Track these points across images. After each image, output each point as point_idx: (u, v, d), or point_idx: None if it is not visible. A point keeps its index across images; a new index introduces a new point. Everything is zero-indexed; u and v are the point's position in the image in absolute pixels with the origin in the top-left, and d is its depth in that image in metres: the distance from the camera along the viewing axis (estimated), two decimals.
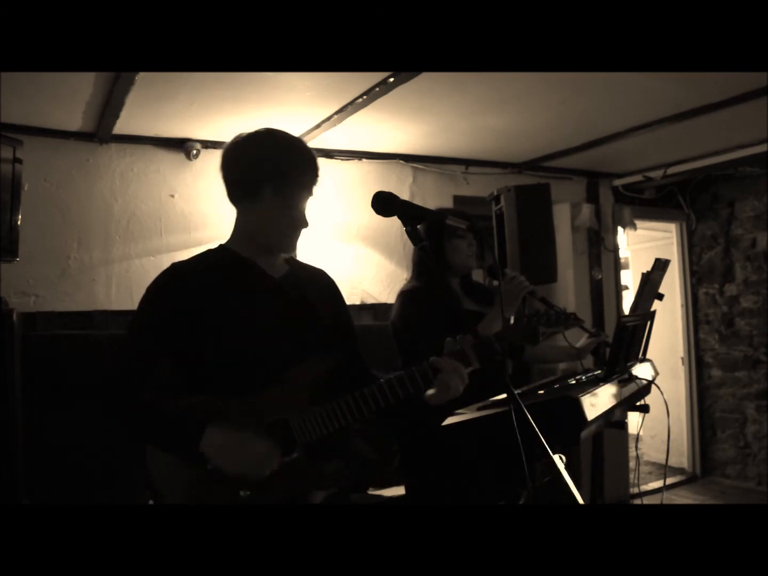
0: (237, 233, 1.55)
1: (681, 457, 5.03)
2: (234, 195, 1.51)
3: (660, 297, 2.48)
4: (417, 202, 1.54)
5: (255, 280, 1.51)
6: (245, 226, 1.53)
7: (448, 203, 3.91)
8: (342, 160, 3.51)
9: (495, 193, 3.03)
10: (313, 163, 1.48)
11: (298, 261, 1.64)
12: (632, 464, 4.36)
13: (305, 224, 1.51)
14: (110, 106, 2.66)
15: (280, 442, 1.38)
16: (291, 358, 1.44)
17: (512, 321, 1.56)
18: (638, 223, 4.64)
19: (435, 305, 2.11)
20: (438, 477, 2.02)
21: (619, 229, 4.63)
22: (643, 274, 2.37)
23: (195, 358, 1.44)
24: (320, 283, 1.64)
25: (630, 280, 5.50)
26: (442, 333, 2.01)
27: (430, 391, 1.44)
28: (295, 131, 3.16)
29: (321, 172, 1.50)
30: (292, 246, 1.53)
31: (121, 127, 2.96)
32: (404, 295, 2.25)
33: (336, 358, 1.50)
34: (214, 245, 1.58)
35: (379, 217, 1.43)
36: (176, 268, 1.49)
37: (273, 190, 1.44)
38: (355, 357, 1.65)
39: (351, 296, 3.53)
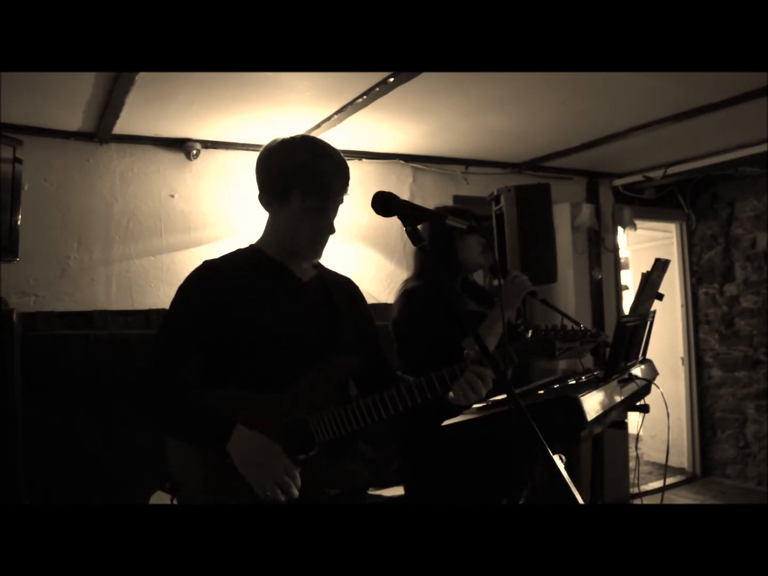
0: (267, 236, 1.58)
1: (681, 457, 5.03)
2: (265, 199, 1.52)
3: (660, 297, 2.48)
4: (417, 202, 1.54)
5: (283, 281, 1.54)
6: (274, 229, 1.55)
7: (448, 203, 3.89)
8: None
9: (495, 193, 3.02)
10: (343, 171, 1.50)
11: (325, 267, 1.67)
12: (632, 464, 4.36)
13: (332, 231, 1.52)
14: (110, 106, 2.66)
15: (299, 440, 1.40)
16: (314, 358, 1.47)
17: (530, 335, 1.57)
18: (638, 223, 4.64)
19: (438, 306, 2.11)
20: (438, 477, 2.02)
21: (619, 229, 4.63)
22: (643, 274, 2.36)
23: (222, 354, 1.47)
24: (345, 289, 1.67)
25: (630, 280, 5.50)
26: (445, 334, 2.02)
27: (452, 394, 1.47)
28: (295, 131, 3.15)
29: (351, 181, 1.52)
30: (317, 253, 1.56)
31: (121, 127, 2.96)
32: (407, 294, 2.24)
33: (357, 360, 1.53)
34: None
35: (379, 217, 1.43)
36: (208, 265, 1.52)
37: (302, 195, 1.46)
38: (378, 361, 1.67)
39: None
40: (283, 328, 1.47)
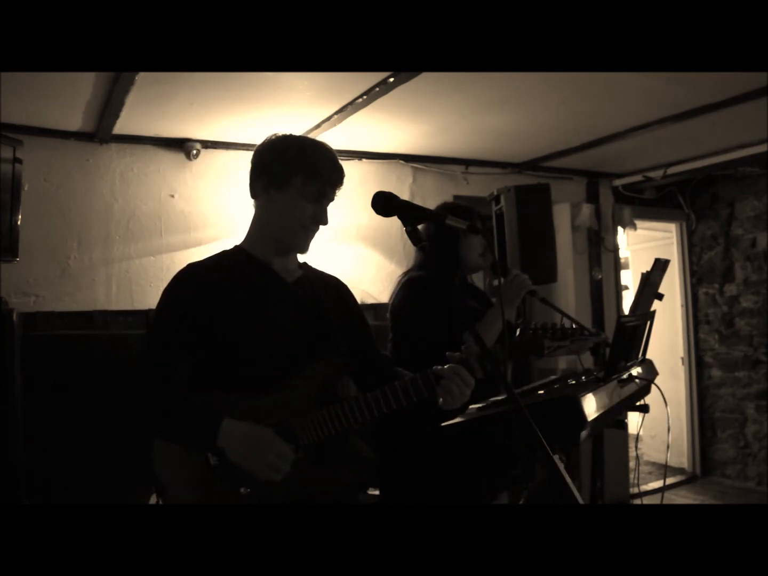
0: (253, 233, 1.58)
1: (681, 457, 5.03)
2: (262, 183, 1.52)
3: (660, 297, 2.48)
4: (417, 202, 1.54)
5: (268, 283, 1.53)
6: (263, 222, 1.55)
7: None
8: (342, 160, 3.52)
9: (495, 193, 3.02)
10: (340, 167, 1.56)
11: (311, 267, 1.66)
12: (632, 464, 4.36)
13: (325, 222, 1.54)
14: (110, 106, 2.66)
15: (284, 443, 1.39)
16: (299, 360, 1.46)
17: (519, 333, 1.58)
18: (638, 223, 4.64)
19: (440, 295, 2.12)
20: (438, 477, 2.02)
21: (619, 229, 4.63)
22: (643, 274, 2.37)
23: (208, 358, 1.46)
24: (332, 289, 1.66)
25: (630, 280, 5.50)
26: (444, 324, 2.03)
27: (440, 400, 1.44)
28: (295, 131, 3.13)
29: (351, 181, 1.57)
30: (305, 245, 1.56)
31: (121, 127, 2.96)
32: (410, 282, 2.25)
33: (345, 362, 1.53)
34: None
35: (379, 217, 1.43)
36: (192, 268, 1.52)
37: (303, 179, 1.49)
38: (374, 360, 1.66)
39: None
40: (267, 331, 1.46)
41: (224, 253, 1.58)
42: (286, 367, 1.45)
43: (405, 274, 2.34)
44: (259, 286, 1.51)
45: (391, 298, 2.31)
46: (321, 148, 1.54)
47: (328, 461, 1.46)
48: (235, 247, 1.59)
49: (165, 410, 1.41)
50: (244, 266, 1.53)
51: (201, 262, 1.55)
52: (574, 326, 1.62)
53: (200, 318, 1.44)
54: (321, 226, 1.55)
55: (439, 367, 1.43)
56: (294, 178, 1.49)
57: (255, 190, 1.55)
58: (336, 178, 1.54)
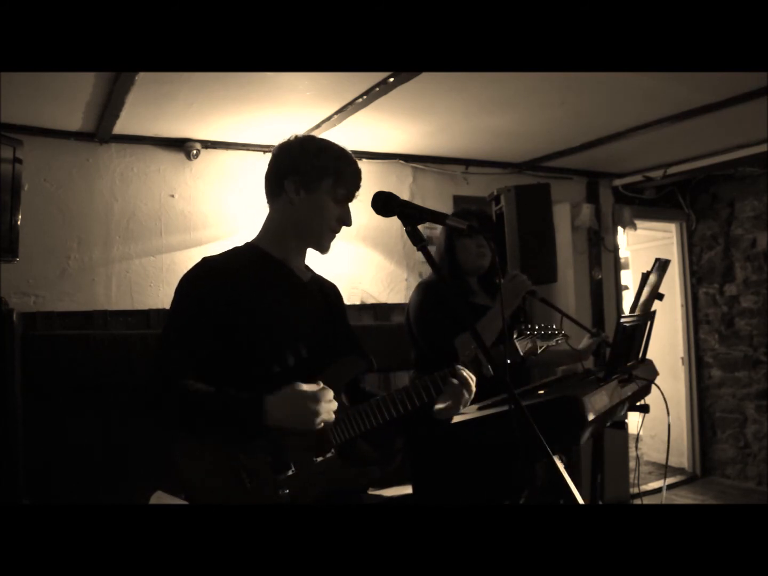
0: (271, 230, 1.56)
1: (681, 457, 5.03)
2: (292, 183, 1.51)
3: (660, 297, 2.48)
4: (417, 202, 1.55)
5: (287, 282, 1.53)
6: (285, 220, 1.54)
7: (448, 203, 3.92)
8: None
9: (495, 193, 3.02)
10: (360, 170, 1.58)
11: (313, 270, 1.68)
12: (632, 464, 4.36)
13: (350, 222, 1.58)
14: (110, 106, 2.66)
15: (317, 442, 1.40)
16: (323, 359, 1.48)
17: (516, 335, 1.63)
18: (638, 223, 4.64)
19: (444, 298, 2.14)
20: (439, 477, 2.02)
21: (619, 229, 4.63)
22: (643, 274, 2.37)
23: (226, 356, 1.42)
24: (331, 290, 1.70)
25: (630, 280, 5.50)
26: (449, 325, 2.05)
27: (440, 405, 1.50)
28: (295, 131, 3.15)
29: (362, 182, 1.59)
30: (328, 246, 1.59)
31: (121, 127, 2.96)
32: (418, 287, 2.32)
33: (364, 361, 1.55)
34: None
35: (379, 217, 1.44)
36: (209, 263, 1.48)
37: (335, 181, 1.52)
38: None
39: (351, 296, 3.53)
40: (291, 329, 1.47)
41: (238, 249, 1.56)
42: (311, 367, 1.45)
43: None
44: (279, 285, 1.51)
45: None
46: (346, 153, 1.57)
47: (352, 459, 1.48)
48: (248, 244, 1.58)
49: (198, 403, 1.34)
50: (262, 264, 1.52)
51: (217, 257, 1.51)
52: (554, 327, 1.69)
53: (222, 314, 1.40)
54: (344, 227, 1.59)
55: (455, 368, 1.49)
56: (324, 181, 1.51)
57: (279, 188, 1.53)
58: (359, 182, 1.57)
